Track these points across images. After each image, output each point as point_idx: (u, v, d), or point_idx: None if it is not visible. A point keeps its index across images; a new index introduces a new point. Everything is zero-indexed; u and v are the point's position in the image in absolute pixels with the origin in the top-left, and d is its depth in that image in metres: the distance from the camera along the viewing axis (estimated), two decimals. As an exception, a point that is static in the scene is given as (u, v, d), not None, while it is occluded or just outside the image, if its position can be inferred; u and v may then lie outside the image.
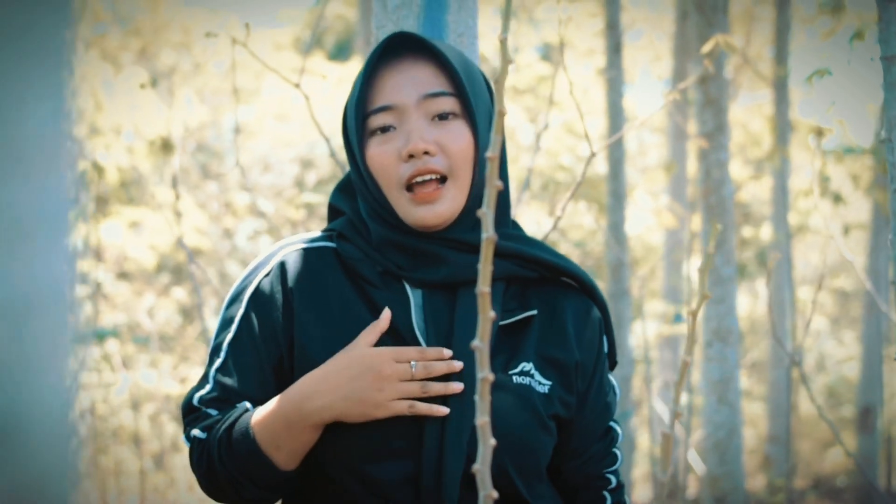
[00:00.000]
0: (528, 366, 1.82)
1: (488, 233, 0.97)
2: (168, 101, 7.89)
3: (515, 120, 10.04)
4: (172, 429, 8.24)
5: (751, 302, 13.16)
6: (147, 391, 8.15)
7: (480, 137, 1.80)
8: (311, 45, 4.21)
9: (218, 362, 1.83)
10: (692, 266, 9.14)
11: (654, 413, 7.73)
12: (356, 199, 1.90)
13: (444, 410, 1.74)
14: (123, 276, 9.28)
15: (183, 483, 7.51)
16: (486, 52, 9.61)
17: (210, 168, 10.28)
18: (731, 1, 8.08)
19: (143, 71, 9.20)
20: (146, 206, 8.58)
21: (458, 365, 1.76)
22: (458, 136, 1.79)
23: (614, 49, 6.40)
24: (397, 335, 1.79)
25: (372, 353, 1.74)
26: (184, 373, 8.86)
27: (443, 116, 1.80)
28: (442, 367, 1.75)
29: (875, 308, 8.54)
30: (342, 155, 7.33)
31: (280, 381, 1.82)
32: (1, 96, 0.56)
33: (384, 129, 1.81)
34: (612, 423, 1.93)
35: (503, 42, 0.99)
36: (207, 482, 1.81)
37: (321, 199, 9.44)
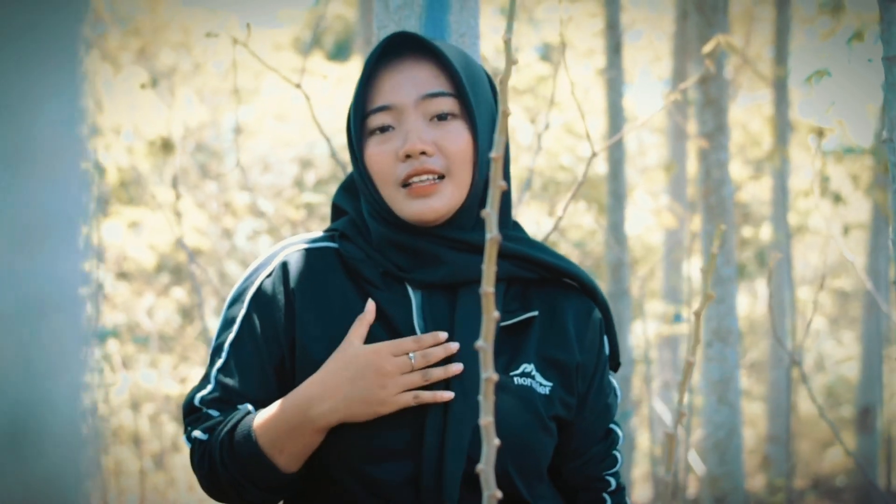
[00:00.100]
0: (529, 367, 1.82)
1: (492, 233, 0.97)
2: (168, 101, 7.89)
3: (516, 120, 10.03)
4: (172, 429, 8.23)
5: (750, 302, 13.16)
6: (147, 391, 8.15)
7: (480, 138, 1.80)
8: (311, 46, 4.21)
9: (219, 363, 1.83)
10: (692, 266, 9.14)
11: (654, 413, 7.73)
12: (359, 198, 1.90)
13: (448, 395, 1.74)
14: (123, 276, 9.28)
15: (183, 483, 7.51)
16: (486, 52, 9.61)
17: (209, 168, 10.28)
18: (731, 1, 8.08)
19: (142, 71, 9.20)
20: (146, 206, 8.58)
21: (454, 346, 1.76)
22: (457, 137, 1.79)
23: (614, 49, 6.41)
24: (398, 336, 1.79)
25: (370, 350, 1.74)
26: (183, 373, 8.86)
27: (442, 117, 1.79)
28: (439, 353, 1.75)
29: (874, 308, 8.55)
30: (342, 155, 7.34)
31: (282, 381, 1.82)
32: (14, 96, 0.56)
33: (383, 129, 1.81)
34: (612, 426, 1.93)
35: (507, 42, 0.99)
36: (209, 483, 1.80)
37: (321, 199, 9.44)
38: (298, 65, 10.76)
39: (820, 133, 3.83)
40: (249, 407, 1.80)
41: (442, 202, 1.79)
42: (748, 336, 12.77)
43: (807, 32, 11.70)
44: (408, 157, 1.77)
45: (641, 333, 9.84)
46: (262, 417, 1.75)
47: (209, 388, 1.82)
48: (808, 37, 11.81)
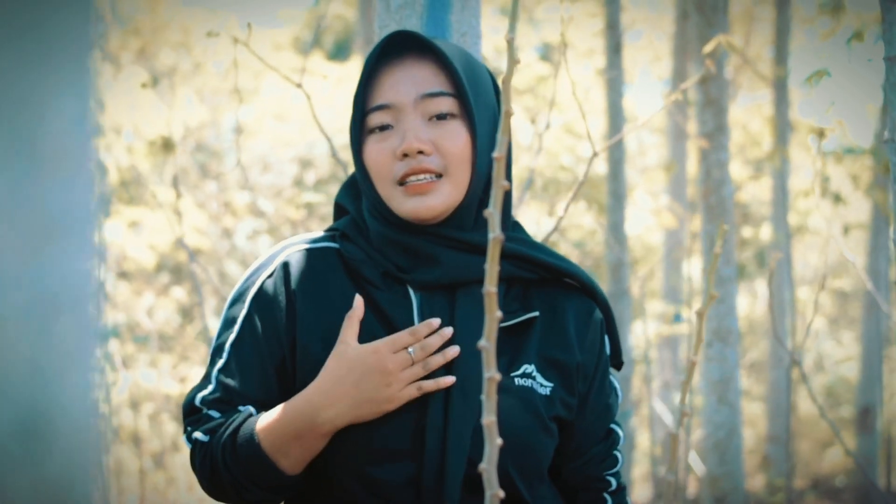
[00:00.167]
0: (529, 368, 1.81)
1: (495, 232, 0.97)
2: (168, 100, 7.89)
3: (516, 120, 10.03)
4: (172, 428, 8.23)
5: (750, 302, 13.17)
6: (147, 391, 8.14)
7: (479, 138, 1.80)
8: (311, 45, 4.21)
9: (220, 363, 1.82)
10: (692, 266, 9.14)
11: (654, 413, 7.73)
12: (361, 197, 1.90)
13: (450, 379, 1.75)
14: (123, 275, 9.28)
15: (183, 482, 7.51)
16: (485, 52, 9.60)
17: (209, 168, 10.28)
18: (732, 1, 8.08)
19: (142, 71, 9.20)
20: (145, 205, 8.58)
21: (448, 331, 1.76)
22: (455, 137, 1.79)
23: (614, 49, 6.40)
24: None
25: (369, 351, 1.74)
26: (183, 372, 8.86)
27: (441, 117, 1.79)
28: (436, 342, 1.75)
29: (874, 308, 8.55)
30: (343, 154, 7.33)
31: (283, 382, 1.81)
32: (25, 96, 0.57)
33: (382, 128, 1.81)
34: (613, 426, 1.93)
35: (510, 42, 0.99)
36: (210, 485, 1.80)
37: (320, 199, 9.44)
38: (298, 65, 10.77)
39: (820, 133, 3.83)
40: (251, 409, 1.79)
41: (439, 200, 1.78)
42: (748, 336, 12.77)
43: (807, 32, 11.70)
44: (405, 155, 1.77)
45: (641, 333, 9.84)
46: (264, 421, 1.75)
47: (210, 388, 1.82)
48: (807, 37, 11.82)
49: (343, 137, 8.13)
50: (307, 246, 1.87)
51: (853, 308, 14.31)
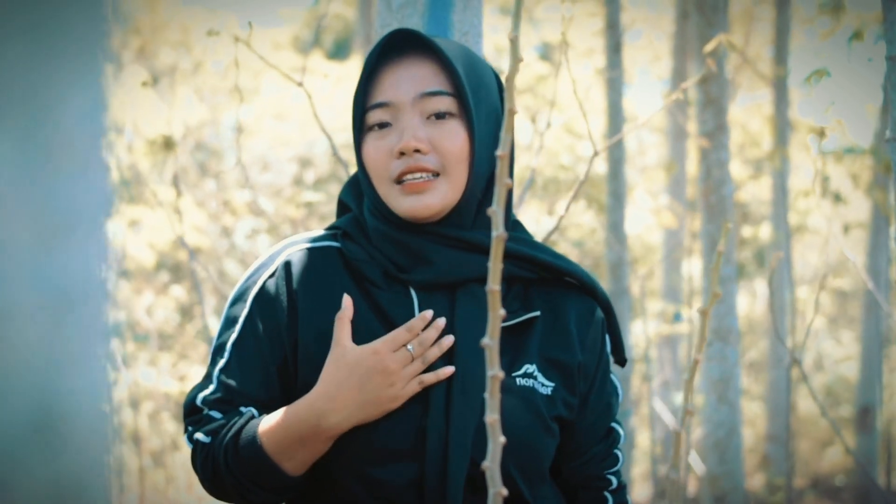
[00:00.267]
0: (531, 367, 1.81)
1: (498, 231, 0.97)
2: (168, 99, 7.89)
3: (516, 119, 10.03)
4: (172, 427, 8.23)
5: (749, 302, 13.17)
6: (146, 389, 8.14)
7: (477, 137, 1.79)
8: (312, 44, 4.21)
9: (221, 362, 1.82)
10: (692, 265, 9.14)
11: (654, 412, 7.73)
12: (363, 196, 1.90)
13: (449, 370, 1.75)
14: (122, 274, 9.28)
15: (182, 481, 7.50)
16: (486, 51, 9.59)
17: (209, 167, 10.28)
18: (732, 1, 8.08)
19: (142, 70, 9.20)
20: (145, 204, 8.58)
21: (441, 322, 1.77)
22: (453, 136, 1.78)
23: (614, 49, 6.40)
24: None
25: (369, 352, 1.73)
26: (183, 371, 8.86)
27: (439, 116, 1.79)
28: (433, 335, 1.76)
29: (874, 307, 8.55)
30: (344, 153, 7.33)
31: (284, 381, 1.81)
32: (39, 90, 0.57)
33: (381, 125, 1.80)
34: (613, 425, 1.93)
35: (513, 41, 0.99)
36: (212, 486, 1.80)
37: (320, 198, 9.44)
38: (298, 64, 10.77)
39: (821, 133, 3.83)
40: (253, 410, 1.79)
41: (435, 199, 1.78)
42: (747, 336, 12.77)
43: (806, 32, 11.71)
44: (402, 154, 1.77)
45: (641, 332, 9.84)
46: (267, 424, 1.74)
47: (211, 388, 1.81)
48: (807, 37, 11.82)
49: (343, 136, 8.13)
50: (308, 245, 1.86)
51: (853, 307, 14.32)
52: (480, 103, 1.81)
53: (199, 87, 10.52)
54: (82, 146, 0.57)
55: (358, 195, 1.90)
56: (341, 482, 1.77)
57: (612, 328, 1.93)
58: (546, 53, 12.60)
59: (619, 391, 1.97)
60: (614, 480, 1.92)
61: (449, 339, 1.76)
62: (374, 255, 1.83)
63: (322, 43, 14.56)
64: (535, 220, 9.72)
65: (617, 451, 1.93)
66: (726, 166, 5.12)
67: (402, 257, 1.81)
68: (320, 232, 1.90)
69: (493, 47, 10.02)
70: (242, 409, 1.79)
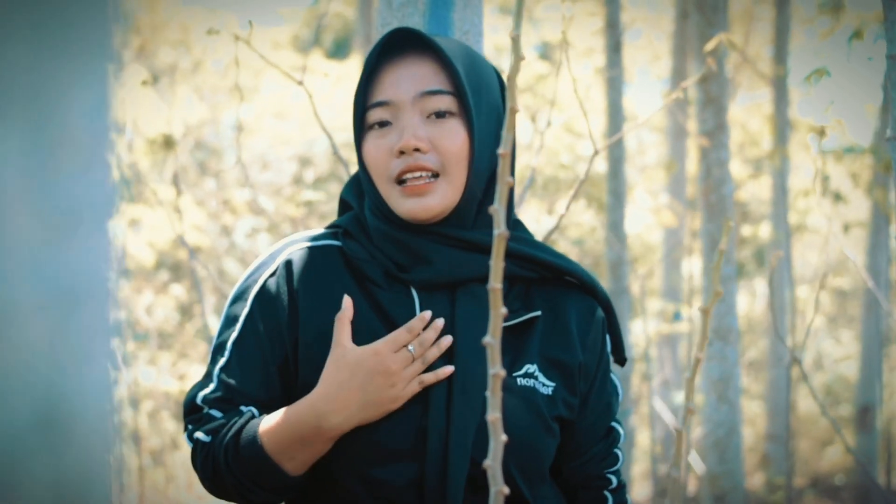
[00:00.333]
0: (531, 367, 1.81)
1: (500, 229, 0.97)
2: (168, 98, 7.89)
3: (516, 118, 10.02)
4: (171, 426, 8.23)
5: (749, 301, 13.17)
6: (146, 388, 8.14)
7: (477, 136, 1.79)
8: (312, 44, 4.21)
9: (222, 361, 1.81)
10: (692, 265, 9.14)
11: (654, 411, 7.73)
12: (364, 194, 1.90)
13: (449, 370, 1.75)
14: (123, 273, 9.26)
15: (182, 480, 7.51)
16: (486, 50, 9.58)
17: (208, 165, 10.28)
18: (731, 0, 8.08)
19: (141, 69, 9.20)
20: (145, 203, 8.58)
21: (440, 322, 1.77)
22: (453, 135, 1.78)
23: (614, 48, 6.40)
24: None
25: (370, 353, 1.73)
26: (182, 370, 8.86)
27: (439, 115, 1.79)
28: (432, 335, 1.76)
29: (874, 307, 8.55)
30: (344, 151, 7.33)
31: (285, 381, 1.81)
32: (45, 86, 0.56)
33: (381, 124, 1.80)
34: (613, 424, 1.93)
35: (515, 39, 0.99)
36: (212, 485, 1.80)
37: (320, 197, 9.44)
38: (297, 63, 10.77)
39: (820, 132, 3.83)
40: (253, 410, 1.79)
41: (436, 201, 1.78)
42: (747, 335, 12.77)
43: (806, 32, 11.71)
44: (402, 153, 1.77)
45: (641, 332, 9.84)
46: (267, 424, 1.74)
47: (211, 386, 1.81)
48: (807, 36, 11.83)
49: (343, 135, 8.13)
50: (309, 244, 1.86)
51: (852, 306, 14.32)
52: (481, 102, 1.81)
53: (198, 86, 10.51)
54: (87, 144, 0.57)
55: (359, 194, 1.90)
56: (342, 482, 1.77)
57: (613, 328, 1.93)
58: (545, 53, 12.60)
59: (619, 390, 1.97)
60: (614, 480, 1.92)
61: (448, 340, 1.76)
62: (375, 254, 1.82)
63: (322, 42, 14.56)
64: (535, 219, 9.72)
65: (617, 451, 1.93)
66: (726, 165, 5.12)
67: (403, 257, 1.81)
68: (321, 230, 1.90)
69: (492, 47, 10.02)
70: (243, 408, 1.79)
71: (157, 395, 8.24)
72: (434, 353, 1.75)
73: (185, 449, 7.47)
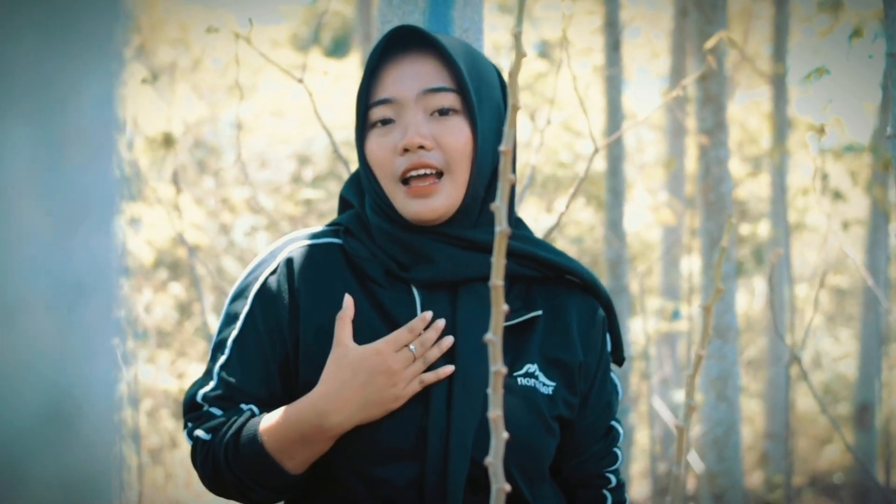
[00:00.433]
0: (532, 367, 1.81)
1: (502, 226, 0.97)
2: (167, 96, 7.89)
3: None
4: (171, 424, 8.23)
5: (748, 299, 13.17)
6: (145, 387, 8.14)
7: (480, 134, 1.79)
8: (312, 42, 4.21)
9: (222, 359, 1.81)
10: (691, 263, 9.14)
11: (653, 410, 7.73)
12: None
13: (449, 369, 1.75)
14: (123, 271, 9.26)
15: (181, 478, 7.50)
16: (485, 48, 9.58)
17: (208, 164, 10.27)
18: (730, -2, 8.08)
19: (141, 67, 9.19)
20: (144, 201, 8.57)
21: (441, 323, 1.77)
22: (457, 133, 1.78)
23: (613, 46, 6.40)
24: None
25: (372, 352, 1.73)
26: (181, 368, 8.85)
27: (443, 112, 1.79)
28: (433, 335, 1.75)
29: (873, 305, 8.55)
30: (344, 150, 7.33)
31: (285, 379, 1.81)
32: (54, 78, 0.56)
33: (384, 122, 1.80)
34: (613, 423, 1.93)
35: (517, 36, 0.99)
36: (212, 483, 1.79)
37: (319, 195, 9.44)
38: (296, 61, 10.77)
39: (820, 130, 3.83)
40: (254, 408, 1.78)
41: (440, 201, 1.78)
42: (746, 333, 12.77)
43: (805, 30, 11.71)
44: (406, 150, 1.77)
45: (640, 330, 9.84)
46: (268, 423, 1.74)
47: (211, 384, 1.81)
48: (806, 34, 11.83)
49: (342, 133, 8.13)
50: (310, 242, 1.86)
51: (851, 305, 14.32)
52: (483, 99, 1.81)
53: (198, 84, 10.51)
54: (96, 138, 0.57)
55: (360, 192, 1.90)
56: (342, 481, 1.77)
57: (613, 327, 1.93)
58: (545, 51, 12.60)
59: (619, 390, 1.97)
60: (613, 478, 1.92)
61: (449, 340, 1.76)
62: (377, 252, 1.82)
63: (321, 40, 14.55)
64: (535, 217, 9.72)
65: (616, 450, 1.93)
66: (725, 163, 5.12)
67: (405, 256, 1.81)
68: (322, 228, 1.90)
69: (491, 45, 10.02)
70: (243, 406, 1.79)
71: (156, 394, 8.24)
72: (435, 353, 1.75)
73: (184, 447, 7.47)
